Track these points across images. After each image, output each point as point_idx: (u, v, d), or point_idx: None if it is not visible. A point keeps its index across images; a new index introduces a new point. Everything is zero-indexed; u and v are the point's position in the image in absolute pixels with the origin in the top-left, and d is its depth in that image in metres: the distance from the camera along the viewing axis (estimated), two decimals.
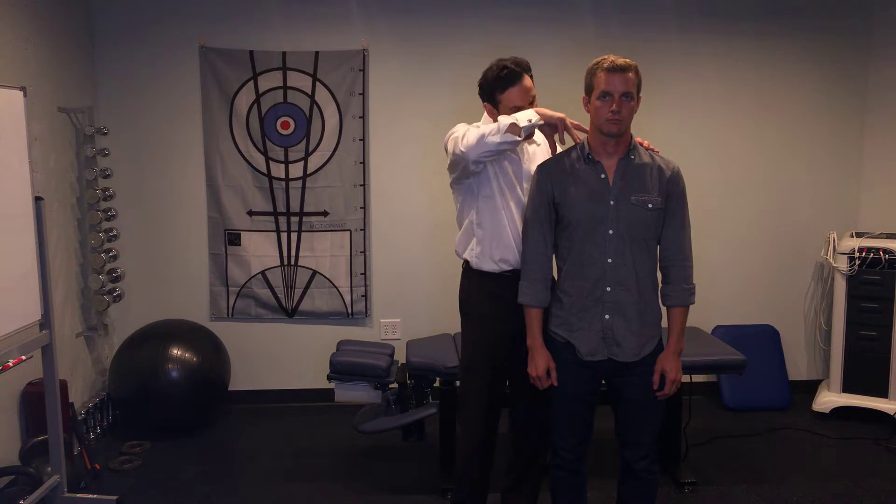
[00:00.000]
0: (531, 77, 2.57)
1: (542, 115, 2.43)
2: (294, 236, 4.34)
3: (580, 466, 2.53)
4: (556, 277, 2.48)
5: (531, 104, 2.55)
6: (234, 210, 4.30)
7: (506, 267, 2.60)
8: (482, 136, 2.40)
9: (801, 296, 4.59)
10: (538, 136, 2.61)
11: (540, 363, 2.42)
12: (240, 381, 4.38)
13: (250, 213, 4.31)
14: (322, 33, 4.23)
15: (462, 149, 2.44)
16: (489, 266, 2.62)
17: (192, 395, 3.86)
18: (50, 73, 3.69)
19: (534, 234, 2.43)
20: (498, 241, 2.60)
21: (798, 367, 4.60)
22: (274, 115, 4.26)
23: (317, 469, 3.60)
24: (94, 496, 3.22)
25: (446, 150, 2.59)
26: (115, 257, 4.06)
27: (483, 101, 2.64)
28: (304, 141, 4.27)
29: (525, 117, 2.40)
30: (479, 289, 2.67)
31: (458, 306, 2.75)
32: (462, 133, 2.49)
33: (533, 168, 2.55)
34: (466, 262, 2.70)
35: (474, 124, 2.67)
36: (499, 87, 2.55)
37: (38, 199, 2.95)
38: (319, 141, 4.28)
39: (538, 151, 2.66)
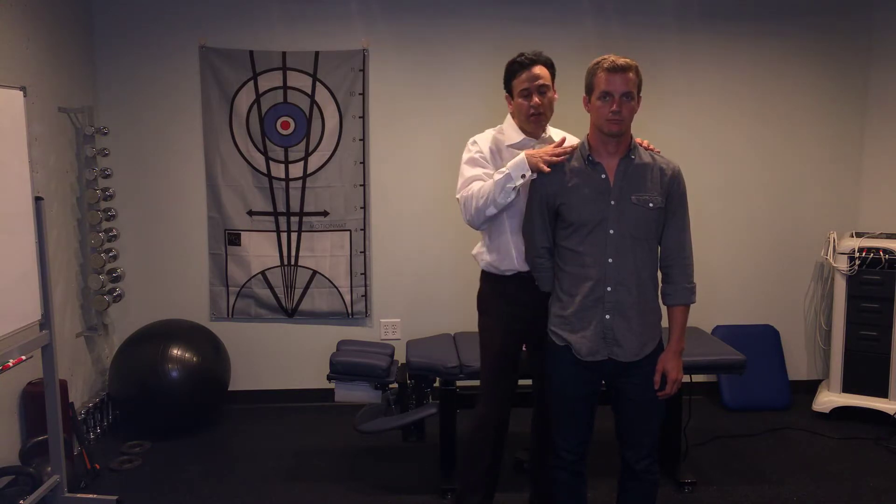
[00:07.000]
0: (551, 69, 2.66)
1: (529, 162, 2.47)
2: (294, 236, 4.34)
3: (580, 467, 2.53)
4: (557, 278, 2.48)
5: (541, 91, 2.61)
6: (234, 210, 4.30)
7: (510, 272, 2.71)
8: (480, 209, 2.57)
9: (801, 296, 4.58)
10: (528, 139, 2.68)
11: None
12: (240, 381, 4.38)
13: (250, 213, 4.31)
14: (322, 33, 4.22)
15: (466, 219, 2.65)
16: (496, 271, 2.74)
17: (192, 395, 3.87)
18: (50, 73, 3.69)
19: (531, 232, 2.48)
20: (505, 254, 2.69)
21: (798, 367, 4.60)
22: (274, 115, 4.25)
23: (317, 469, 3.60)
24: (94, 496, 3.22)
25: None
26: (115, 257, 4.06)
27: (506, 92, 2.73)
28: (304, 141, 4.27)
29: (518, 173, 2.48)
30: (492, 289, 2.79)
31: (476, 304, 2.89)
32: (464, 199, 2.62)
33: None
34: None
35: (490, 131, 2.75)
36: (510, 75, 2.66)
37: (38, 199, 2.95)
38: (319, 141, 4.28)
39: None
